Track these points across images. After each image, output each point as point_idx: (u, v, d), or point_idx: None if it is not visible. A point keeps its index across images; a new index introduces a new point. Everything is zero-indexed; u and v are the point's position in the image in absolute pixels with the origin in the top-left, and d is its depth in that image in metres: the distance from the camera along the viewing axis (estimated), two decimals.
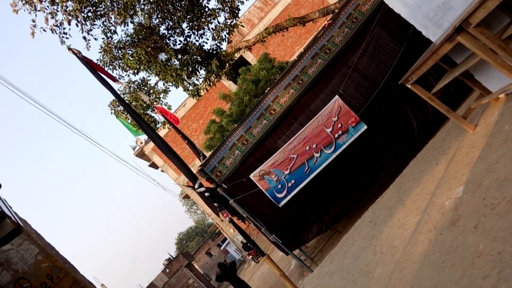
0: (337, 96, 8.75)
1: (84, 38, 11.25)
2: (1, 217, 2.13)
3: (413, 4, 5.49)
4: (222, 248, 56.84)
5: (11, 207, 2.60)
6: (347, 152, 8.69)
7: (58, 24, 10.95)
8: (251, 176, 8.75)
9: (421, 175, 6.33)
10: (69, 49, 8.52)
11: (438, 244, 4.00)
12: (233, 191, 8.87)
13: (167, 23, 11.81)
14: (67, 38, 11.16)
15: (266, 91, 10.46)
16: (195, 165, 23.96)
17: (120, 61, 11.30)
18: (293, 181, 8.69)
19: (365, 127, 8.64)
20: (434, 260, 3.86)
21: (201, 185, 8.86)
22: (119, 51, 11.27)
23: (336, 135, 8.68)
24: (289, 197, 8.69)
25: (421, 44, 8.08)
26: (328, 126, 8.72)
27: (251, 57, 26.05)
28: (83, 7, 10.86)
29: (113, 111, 12.20)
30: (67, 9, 10.83)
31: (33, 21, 10.74)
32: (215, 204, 8.94)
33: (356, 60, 8.85)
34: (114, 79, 9.51)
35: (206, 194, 8.81)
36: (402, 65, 8.45)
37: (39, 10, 10.81)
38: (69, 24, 10.88)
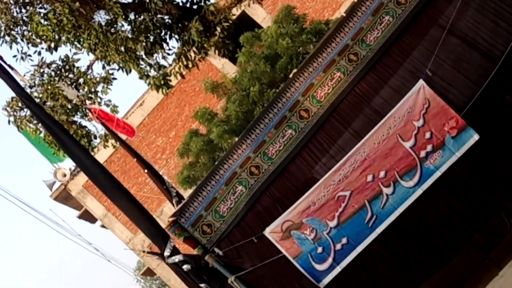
0: (421, 82, 8.75)
1: None
2: None
3: None
4: None
5: None
6: (444, 183, 8.67)
7: None
8: (267, 232, 8.69)
9: None
10: None
11: None
12: (234, 261, 8.81)
13: None
14: None
15: (290, 76, 10.34)
16: (163, 213, 23.86)
17: (24, 27, 11.31)
18: (344, 240, 8.65)
19: (476, 137, 8.62)
20: None
21: (175, 251, 8.75)
22: (23, 10, 11.30)
23: (423, 154, 8.69)
24: (337, 269, 8.61)
25: None
26: (406, 137, 8.74)
27: (261, 15, 26.09)
28: None
29: (12, 118, 12.16)
30: None
31: None
32: (202, 285, 8.73)
33: (454, 16, 8.85)
34: (8, 66, 9.49)
35: (185, 267, 8.68)
36: None
37: None
38: None
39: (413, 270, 8.77)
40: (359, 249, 8.60)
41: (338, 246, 8.61)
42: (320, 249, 8.61)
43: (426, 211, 8.71)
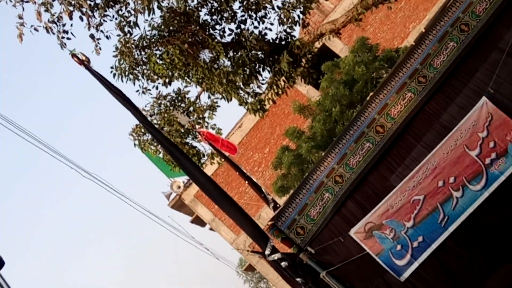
0: (484, 98, 8.57)
1: (92, 36, 11.82)
2: None
3: None
4: None
5: None
6: (508, 186, 8.46)
7: (56, 20, 11.60)
8: (352, 232, 8.75)
9: None
10: (73, 55, 8.90)
11: None
12: (324, 258, 8.86)
13: (209, 5, 12.17)
14: (68, 38, 11.77)
15: (368, 98, 10.48)
16: (261, 218, 24.14)
17: (144, 67, 11.77)
18: (420, 239, 8.59)
19: None
20: None
21: (274, 250, 8.84)
22: (142, 52, 11.74)
23: (488, 161, 8.52)
24: (415, 264, 8.56)
25: None
26: (472, 147, 8.58)
27: (339, 46, 26.10)
28: None
29: (136, 141, 12.72)
30: None
31: (20, 17, 11.45)
32: (298, 279, 8.88)
33: None
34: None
35: (283, 263, 8.78)
36: None
37: (27, 1, 11.49)
38: (71, 18, 11.43)
39: (483, 263, 8.52)
40: (434, 246, 8.52)
41: (415, 244, 8.58)
42: (399, 247, 8.61)
43: (493, 211, 8.46)
